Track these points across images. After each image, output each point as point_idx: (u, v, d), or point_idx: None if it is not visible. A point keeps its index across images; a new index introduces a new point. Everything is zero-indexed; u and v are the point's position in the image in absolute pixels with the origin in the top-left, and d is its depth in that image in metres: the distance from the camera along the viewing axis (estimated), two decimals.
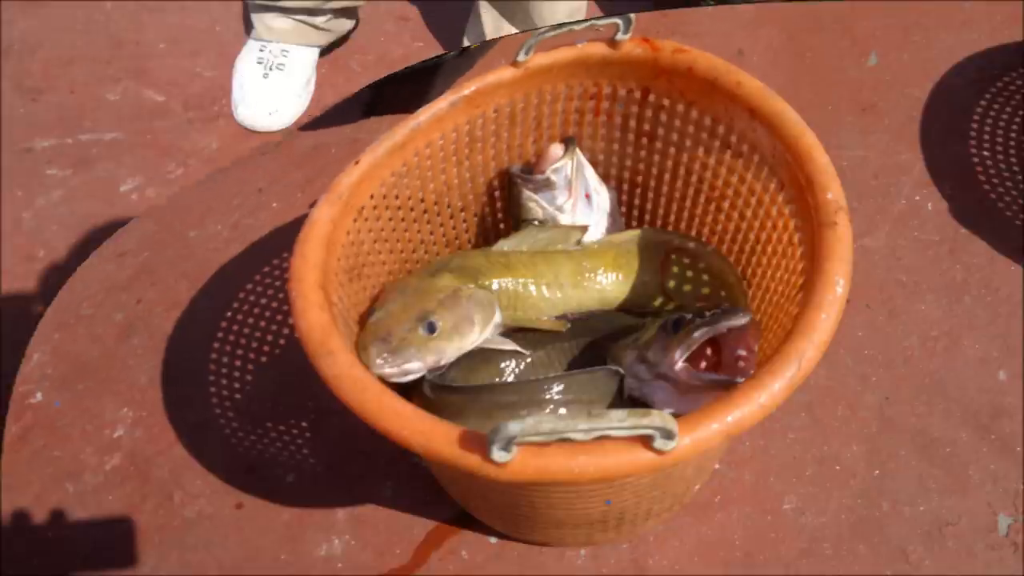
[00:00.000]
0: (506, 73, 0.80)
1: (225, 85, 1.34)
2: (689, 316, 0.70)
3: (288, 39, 1.29)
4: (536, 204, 0.89)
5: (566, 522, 0.77)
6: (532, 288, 0.82)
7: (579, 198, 0.90)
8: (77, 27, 1.41)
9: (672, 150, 0.86)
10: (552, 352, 0.82)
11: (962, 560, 0.83)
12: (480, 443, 0.51)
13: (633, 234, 0.90)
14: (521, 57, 0.79)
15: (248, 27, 1.37)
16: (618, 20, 0.74)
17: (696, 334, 0.67)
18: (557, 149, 0.87)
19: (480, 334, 0.77)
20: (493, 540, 0.89)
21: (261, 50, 1.30)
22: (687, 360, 0.68)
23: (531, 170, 0.89)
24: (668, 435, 0.50)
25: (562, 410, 0.72)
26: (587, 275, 0.85)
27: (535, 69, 0.81)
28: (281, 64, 1.28)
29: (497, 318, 0.80)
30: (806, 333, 0.57)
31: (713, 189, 0.85)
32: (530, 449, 0.50)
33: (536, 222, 0.90)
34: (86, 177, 1.21)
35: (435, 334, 0.72)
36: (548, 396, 0.73)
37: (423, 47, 1.44)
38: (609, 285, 0.86)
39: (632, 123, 0.86)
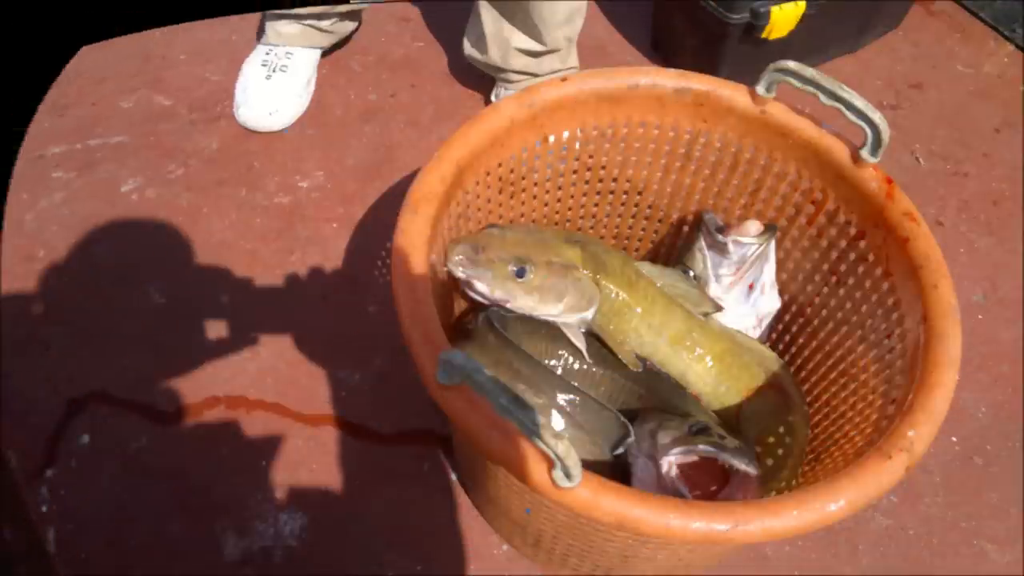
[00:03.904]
0: (740, 99, 0.78)
1: (230, 88, 1.33)
2: (715, 432, 0.68)
3: (294, 42, 1.31)
4: (701, 258, 0.88)
5: (497, 502, 0.79)
6: (635, 318, 0.82)
7: (741, 283, 0.88)
8: (118, 48, 1.43)
9: (847, 305, 0.80)
10: (604, 376, 0.82)
11: None
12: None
13: (757, 346, 0.86)
14: (761, 91, 0.76)
15: (259, 34, 1.37)
16: (868, 131, 0.69)
17: (701, 447, 0.65)
18: (755, 227, 0.85)
19: (561, 313, 0.80)
20: (505, 547, 0.92)
21: (267, 54, 1.31)
22: (682, 461, 0.67)
23: (722, 228, 0.88)
24: None
25: (559, 419, 0.74)
26: (687, 344, 0.83)
27: (775, 121, 0.78)
28: (284, 66, 1.30)
29: (587, 314, 0.81)
30: None
31: (847, 367, 0.79)
32: None
33: (690, 272, 0.89)
34: (89, 179, 1.22)
35: (519, 280, 0.76)
36: (561, 401, 0.74)
37: (423, 47, 1.44)
38: (698, 367, 0.84)
39: (833, 255, 0.81)
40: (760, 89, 0.76)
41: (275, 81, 1.30)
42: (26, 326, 1.09)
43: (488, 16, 1.20)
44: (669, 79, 0.79)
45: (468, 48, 1.28)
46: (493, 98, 1.35)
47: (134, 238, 1.19)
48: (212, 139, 1.31)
